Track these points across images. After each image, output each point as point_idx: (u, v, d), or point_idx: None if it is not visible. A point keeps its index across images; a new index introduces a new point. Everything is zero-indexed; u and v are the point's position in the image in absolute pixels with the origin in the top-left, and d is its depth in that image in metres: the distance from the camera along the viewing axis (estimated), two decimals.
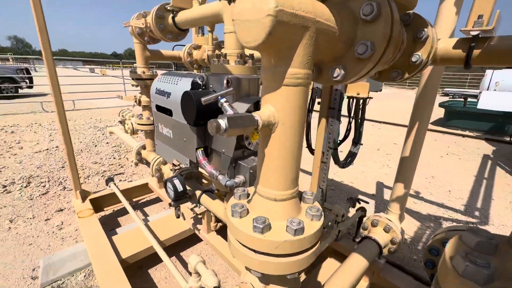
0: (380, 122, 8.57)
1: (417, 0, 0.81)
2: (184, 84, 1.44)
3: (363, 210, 2.00)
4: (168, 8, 1.78)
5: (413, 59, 0.92)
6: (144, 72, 2.35)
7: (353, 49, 0.63)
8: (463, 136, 7.34)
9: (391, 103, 14.24)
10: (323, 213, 0.67)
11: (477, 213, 3.22)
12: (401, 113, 10.35)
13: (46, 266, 2.01)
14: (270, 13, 0.44)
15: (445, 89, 21.94)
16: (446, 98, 16.81)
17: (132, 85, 2.51)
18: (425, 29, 0.89)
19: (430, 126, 8.29)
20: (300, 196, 0.75)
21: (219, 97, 0.73)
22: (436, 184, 4.05)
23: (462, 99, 9.17)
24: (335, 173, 4.30)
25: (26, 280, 1.99)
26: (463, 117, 8.18)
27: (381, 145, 6.03)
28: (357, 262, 1.47)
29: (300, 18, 0.48)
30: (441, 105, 8.87)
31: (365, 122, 1.94)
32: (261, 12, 0.45)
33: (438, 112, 9.47)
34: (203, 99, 0.70)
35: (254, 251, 0.62)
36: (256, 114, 0.55)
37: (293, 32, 0.49)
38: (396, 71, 0.99)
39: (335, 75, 0.67)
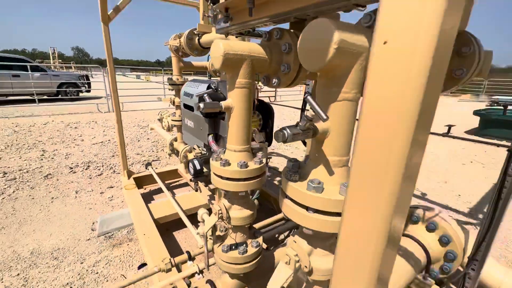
0: None
1: None
2: (201, 88, 2.01)
3: None
4: (195, 32, 2.39)
5: None
6: (177, 79, 3.01)
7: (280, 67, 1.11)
8: (497, 145, 6.96)
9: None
10: (264, 161, 1.15)
11: (480, 216, 3.30)
12: (436, 121, 9.95)
13: (101, 221, 2.72)
14: (221, 54, 0.95)
15: (493, 97, 20.08)
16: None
17: (169, 89, 3.19)
18: None
19: (462, 135, 7.97)
20: (255, 155, 1.24)
21: (204, 94, 1.25)
22: (447, 188, 4.12)
23: (502, 107, 8.61)
24: None
25: (88, 230, 2.71)
26: (501, 125, 7.72)
27: None
28: None
29: (239, 55, 0.98)
30: (475, 113, 8.43)
31: None
32: (218, 53, 0.97)
33: (473, 121, 9.00)
34: (196, 93, 1.23)
35: (221, 177, 1.12)
36: (221, 103, 1.06)
37: (235, 61, 0.99)
38: None
39: (273, 82, 1.15)
